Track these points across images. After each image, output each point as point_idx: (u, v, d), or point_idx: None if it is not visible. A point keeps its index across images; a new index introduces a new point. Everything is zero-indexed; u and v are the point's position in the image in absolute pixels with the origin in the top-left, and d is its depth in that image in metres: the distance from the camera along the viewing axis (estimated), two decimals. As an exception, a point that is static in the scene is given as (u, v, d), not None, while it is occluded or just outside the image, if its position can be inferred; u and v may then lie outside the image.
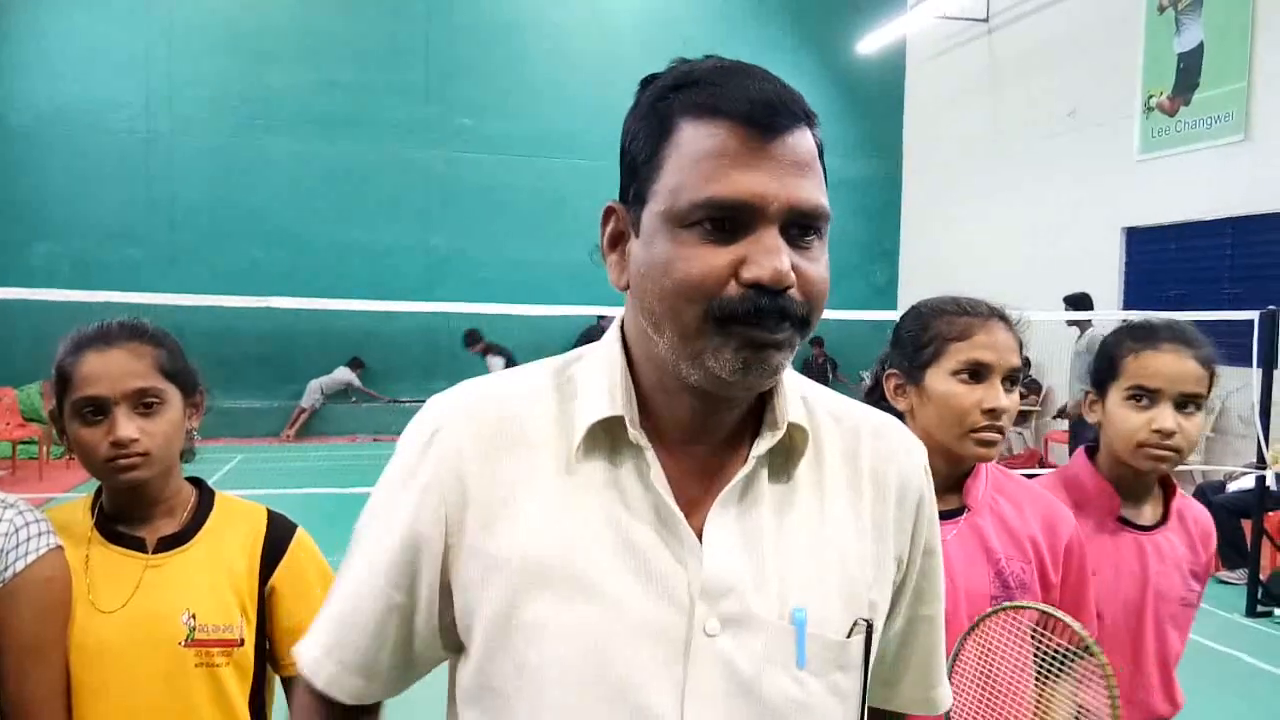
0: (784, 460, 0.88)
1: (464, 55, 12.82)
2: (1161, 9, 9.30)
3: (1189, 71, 8.95)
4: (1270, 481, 6.23)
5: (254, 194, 12.12)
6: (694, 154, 0.79)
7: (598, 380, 0.87)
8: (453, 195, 12.82)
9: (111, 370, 1.39)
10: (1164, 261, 9.44)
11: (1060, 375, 9.49)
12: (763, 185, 0.77)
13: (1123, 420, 1.65)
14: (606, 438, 0.85)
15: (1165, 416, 1.61)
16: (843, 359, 13.04)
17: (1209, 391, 1.64)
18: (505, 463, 0.86)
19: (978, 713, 1.39)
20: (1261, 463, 5.73)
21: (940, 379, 1.49)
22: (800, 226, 0.80)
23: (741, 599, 0.82)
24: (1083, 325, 8.08)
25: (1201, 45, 8.83)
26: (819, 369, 12.63)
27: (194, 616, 1.42)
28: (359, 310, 8.78)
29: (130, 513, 1.46)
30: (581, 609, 0.81)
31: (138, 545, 1.45)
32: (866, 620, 0.88)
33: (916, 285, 13.38)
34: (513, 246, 12.79)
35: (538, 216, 12.89)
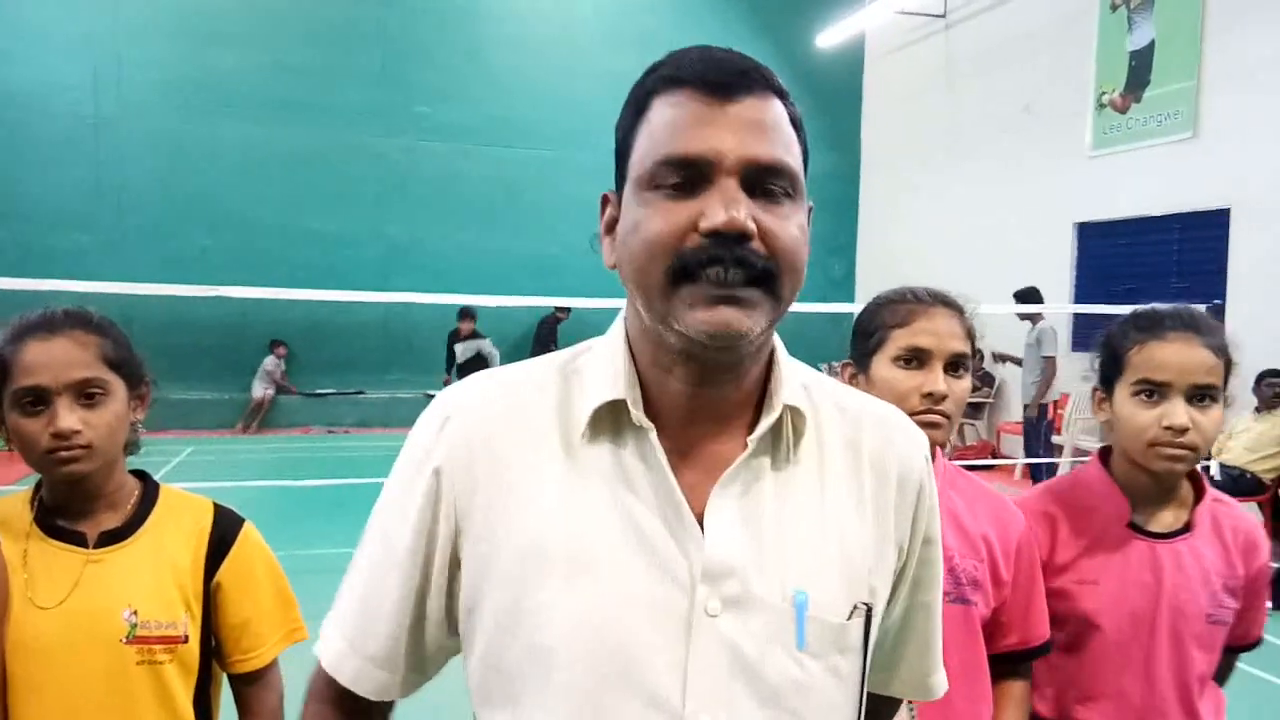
0: (785, 445, 0.90)
1: (422, 40, 12.67)
2: (1114, 7, 9.44)
3: (1140, 69, 9.11)
4: (1215, 472, 6.38)
5: (204, 180, 11.89)
6: (659, 122, 0.83)
7: (602, 367, 0.90)
8: (409, 183, 12.68)
9: (54, 359, 1.35)
10: (1114, 256, 9.61)
11: (1013, 369, 9.63)
12: (719, 140, 0.80)
13: (1131, 418, 1.53)
14: (611, 422, 0.87)
15: (1177, 411, 1.47)
16: (800, 351, 13.10)
17: (1225, 381, 1.51)
18: (513, 449, 0.88)
19: None
20: (1206, 454, 5.86)
21: (883, 365, 1.50)
22: (767, 185, 0.82)
23: (742, 580, 0.84)
24: (1034, 319, 8.23)
25: (1153, 44, 8.99)
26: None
27: (136, 613, 1.39)
28: (312, 300, 8.68)
29: (71, 506, 1.42)
30: (587, 590, 0.83)
31: (78, 540, 1.41)
32: (866, 604, 0.89)
33: (873, 278, 13.50)
34: (471, 236, 12.69)
35: (497, 206, 12.80)
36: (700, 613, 0.82)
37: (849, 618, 0.88)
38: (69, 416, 1.34)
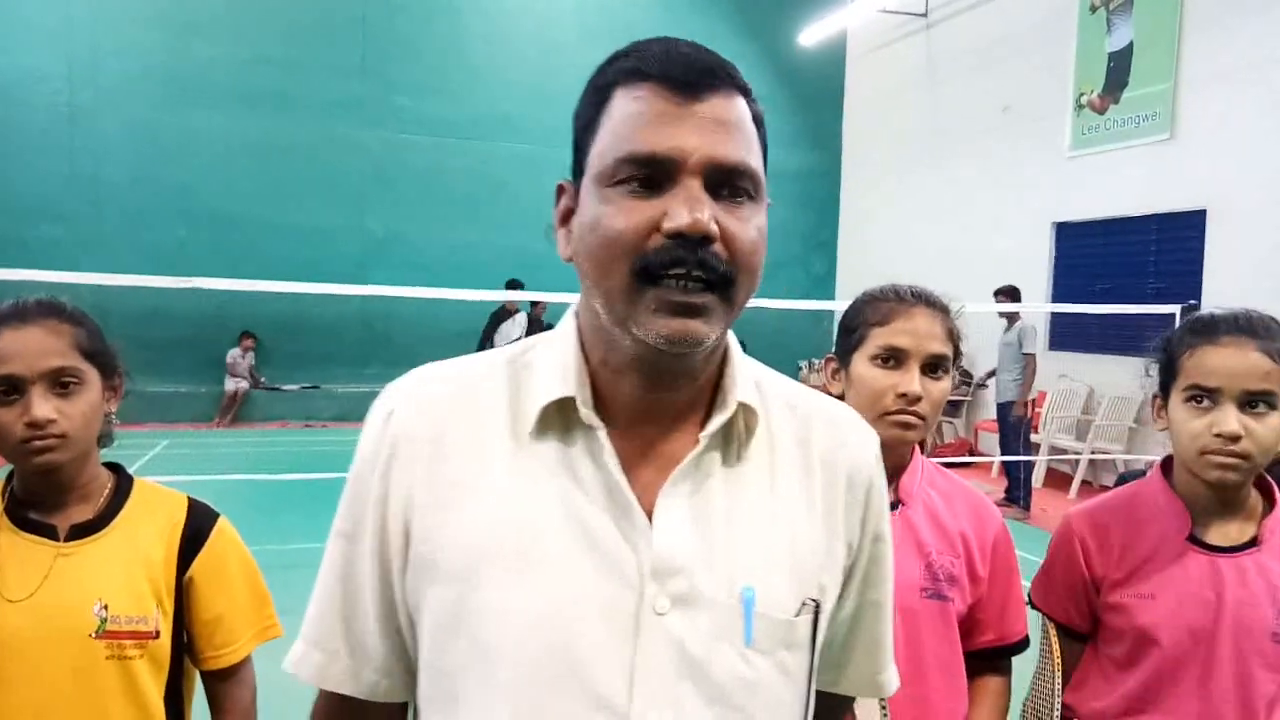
0: (735, 442, 0.89)
1: (403, 33, 12.59)
2: (1094, 9, 9.51)
3: (1119, 71, 9.18)
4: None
5: (181, 171, 11.76)
6: (621, 116, 0.81)
7: (551, 362, 0.89)
8: (389, 177, 12.60)
9: (28, 348, 1.33)
10: (1092, 256, 9.68)
11: (989, 364, 9.71)
12: (682, 139, 0.79)
13: (1183, 425, 1.47)
14: (560, 419, 0.86)
15: (1227, 418, 1.42)
16: (781, 348, 13.16)
17: None
18: (458, 445, 0.87)
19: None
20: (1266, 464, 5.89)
21: (861, 363, 1.50)
22: (730, 186, 0.81)
23: (690, 578, 0.83)
24: (1012, 317, 8.26)
25: (1131, 45, 9.06)
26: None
27: (106, 607, 1.37)
28: (291, 293, 8.61)
29: (43, 498, 1.40)
30: (533, 588, 0.82)
31: (49, 532, 1.39)
32: (815, 601, 0.89)
33: (854, 276, 13.55)
34: (451, 230, 12.64)
35: (477, 200, 12.75)
36: (648, 611, 0.82)
37: (797, 614, 0.87)
38: (44, 406, 1.32)
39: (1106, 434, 8.91)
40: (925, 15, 12.25)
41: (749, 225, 0.82)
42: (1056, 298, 9.94)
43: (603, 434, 0.84)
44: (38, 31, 11.25)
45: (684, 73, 0.80)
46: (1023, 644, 1.56)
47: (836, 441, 0.95)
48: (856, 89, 14.14)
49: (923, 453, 1.62)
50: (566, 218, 0.89)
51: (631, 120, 0.80)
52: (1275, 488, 1.56)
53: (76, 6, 11.38)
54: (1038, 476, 8.94)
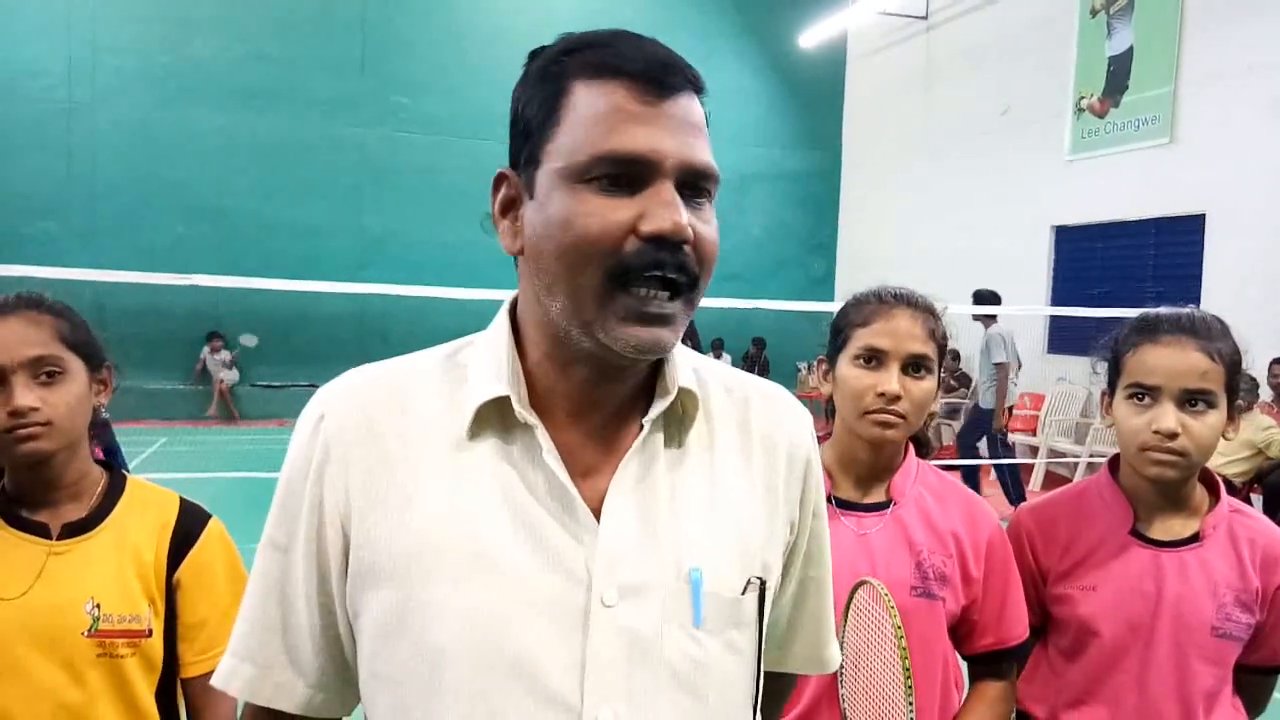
0: (677, 427, 0.90)
1: (401, 31, 12.58)
2: (1094, 13, 9.51)
3: (1119, 74, 9.18)
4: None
5: (178, 168, 11.74)
6: (591, 112, 0.80)
7: (486, 361, 0.88)
8: (387, 175, 12.59)
9: (7, 339, 1.33)
10: (1090, 259, 9.69)
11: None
12: (660, 140, 0.79)
13: (1125, 421, 1.51)
14: (498, 417, 0.86)
15: (1165, 416, 1.44)
16: (779, 349, 13.14)
17: (1226, 386, 1.46)
18: (394, 446, 0.85)
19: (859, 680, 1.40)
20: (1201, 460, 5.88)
21: (845, 364, 1.53)
22: (693, 187, 0.82)
23: (638, 566, 0.83)
24: (985, 322, 8.07)
25: (1131, 49, 9.06)
26: (762, 369, 12.69)
27: (98, 606, 1.36)
28: (286, 290, 8.59)
29: (34, 496, 1.39)
30: (478, 588, 0.81)
31: (41, 531, 1.38)
32: (760, 579, 0.90)
33: (853, 277, 13.53)
34: (448, 229, 12.60)
35: (474, 200, 12.61)
36: (597, 604, 0.82)
37: (743, 592, 0.88)
38: (25, 394, 1.32)
39: (1105, 437, 8.90)
40: (926, 18, 12.25)
41: (711, 227, 0.83)
42: (1056, 301, 9.94)
43: (540, 431, 0.84)
44: (36, 27, 11.22)
45: (657, 70, 0.81)
46: (1024, 647, 1.55)
47: (774, 421, 0.96)
48: (856, 91, 14.14)
49: (925, 455, 1.63)
50: (508, 208, 0.88)
51: (606, 117, 0.79)
52: (1220, 484, 1.59)
53: (75, 3, 11.36)
54: (1036, 479, 8.93)
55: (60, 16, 11.31)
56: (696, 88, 0.84)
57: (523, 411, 0.84)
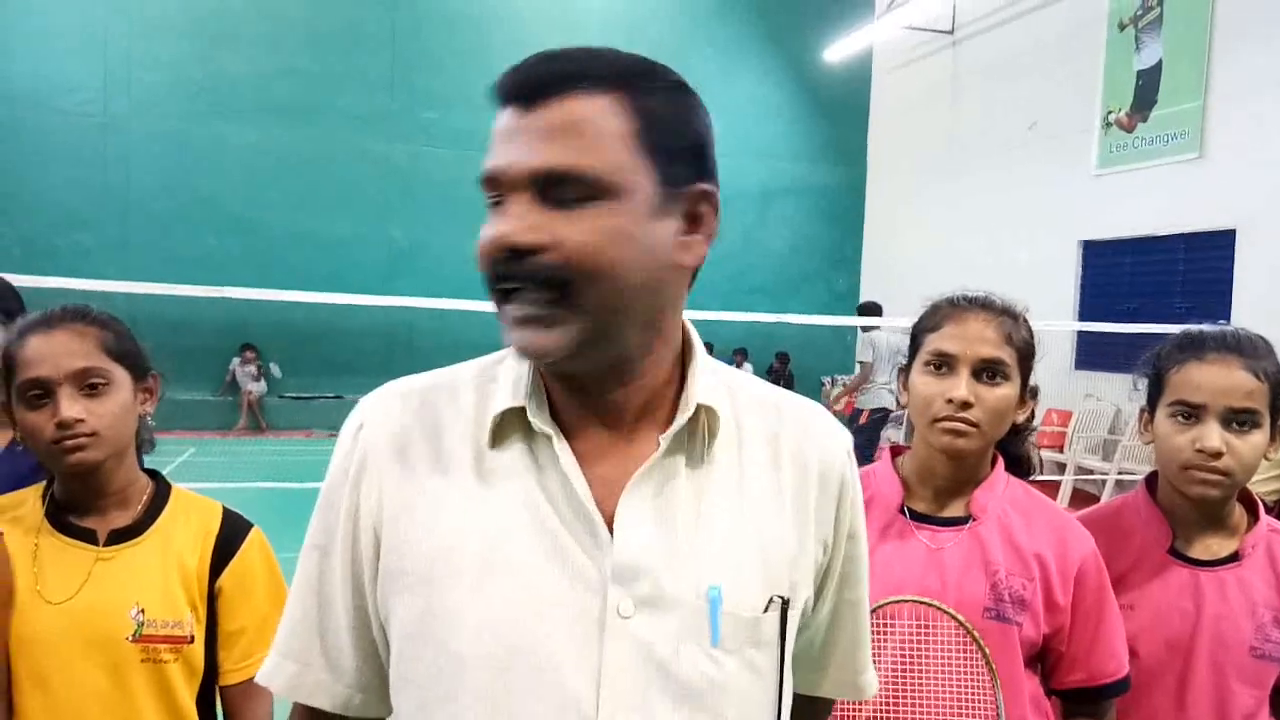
0: (701, 442, 0.89)
1: (429, 46, 12.70)
2: (1122, 27, 9.46)
3: (1147, 89, 9.12)
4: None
5: (210, 181, 11.91)
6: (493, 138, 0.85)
7: (513, 372, 0.90)
8: (414, 188, 12.69)
9: (54, 351, 1.36)
10: (1119, 275, 9.61)
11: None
12: (508, 156, 0.81)
13: (1167, 439, 1.48)
14: (520, 428, 0.88)
15: (1210, 435, 1.42)
16: (803, 363, 13.10)
17: (1270, 406, 1.44)
18: (425, 455, 0.88)
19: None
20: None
21: (916, 371, 1.48)
22: (560, 192, 0.80)
23: (655, 580, 0.83)
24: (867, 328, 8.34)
25: (1160, 63, 9.00)
26: (786, 384, 12.66)
27: (143, 611, 1.39)
28: (315, 302, 8.66)
29: (82, 502, 1.42)
30: (496, 594, 0.83)
31: (88, 537, 1.41)
32: (783, 598, 0.88)
33: (877, 292, 13.48)
34: (474, 242, 12.66)
35: (500, 213, 12.78)
36: (613, 614, 0.82)
37: (764, 611, 0.87)
38: (72, 406, 1.35)
39: (1134, 454, 8.80)
40: (951, 32, 12.23)
41: (582, 227, 0.79)
42: (1083, 316, 9.85)
43: (558, 441, 0.85)
44: (74, 43, 11.44)
45: (523, 84, 0.82)
46: (1119, 685, 1.44)
47: (807, 439, 0.94)
48: (881, 105, 14.12)
49: (1024, 473, 1.56)
50: None
51: (492, 142, 0.84)
52: (1259, 503, 1.55)
53: (111, 19, 11.58)
54: (1064, 496, 8.85)
55: (97, 32, 11.52)
56: (591, 86, 0.81)
57: (538, 422, 0.86)
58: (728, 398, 0.92)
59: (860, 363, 8.06)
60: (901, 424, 8.09)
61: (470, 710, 0.82)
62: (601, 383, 0.87)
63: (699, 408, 0.88)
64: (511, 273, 0.80)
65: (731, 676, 0.85)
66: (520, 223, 0.80)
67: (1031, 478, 1.60)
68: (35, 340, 1.37)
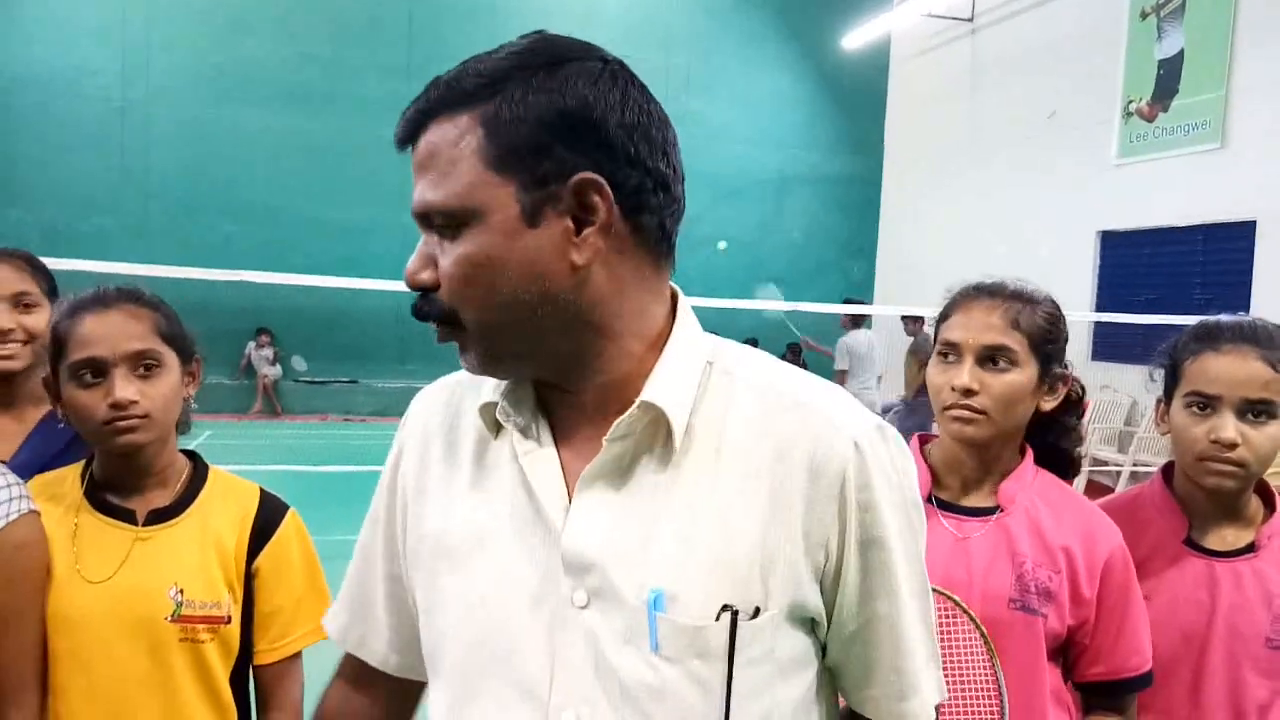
0: (663, 439, 0.84)
1: (447, 35, 12.66)
2: (1144, 15, 9.37)
3: (1169, 78, 9.03)
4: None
5: (228, 167, 11.95)
6: None
7: None
8: (431, 176, 12.68)
9: (110, 332, 1.37)
10: (1137, 265, 9.54)
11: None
12: (415, 193, 0.83)
13: (1182, 430, 1.48)
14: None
15: (1225, 425, 1.42)
16: (819, 355, 13.06)
17: None
18: (441, 443, 0.96)
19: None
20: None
21: (932, 361, 1.50)
22: (438, 223, 0.83)
23: (604, 574, 0.83)
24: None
25: (1182, 53, 8.91)
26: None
27: (181, 592, 1.40)
28: (332, 287, 8.67)
29: (122, 482, 1.43)
30: (473, 577, 0.88)
31: (127, 516, 1.42)
32: (753, 606, 0.82)
33: (893, 282, 13.44)
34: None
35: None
36: (568, 604, 0.84)
37: (715, 620, 0.81)
38: (127, 387, 1.35)
39: (1149, 446, 8.76)
40: (971, 20, 12.13)
41: (452, 259, 0.82)
42: (1100, 307, 9.80)
43: (517, 436, 0.89)
44: (92, 28, 11.48)
45: (401, 130, 0.84)
46: (1141, 680, 1.43)
47: (800, 431, 0.84)
48: (900, 93, 14.03)
49: (1066, 471, 1.56)
50: None
51: None
52: (1276, 494, 1.55)
53: (130, 4, 11.61)
54: (1079, 487, 8.81)
55: (116, 17, 11.56)
56: (447, 110, 0.81)
57: (502, 417, 0.89)
58: (723, 391, 0.87)
59: (838, 372, 7.99)
60: (902, 417, 8.03)
61: (448, 684, 0.90)
62: (559, 382, 0.88)
63: (640, 404, 0.83)
64: (418, 310, 0.85)
65: (670, 685, 0.81)
66: (416, 262, 0.84)
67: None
68: (91, 320, 1.38)
